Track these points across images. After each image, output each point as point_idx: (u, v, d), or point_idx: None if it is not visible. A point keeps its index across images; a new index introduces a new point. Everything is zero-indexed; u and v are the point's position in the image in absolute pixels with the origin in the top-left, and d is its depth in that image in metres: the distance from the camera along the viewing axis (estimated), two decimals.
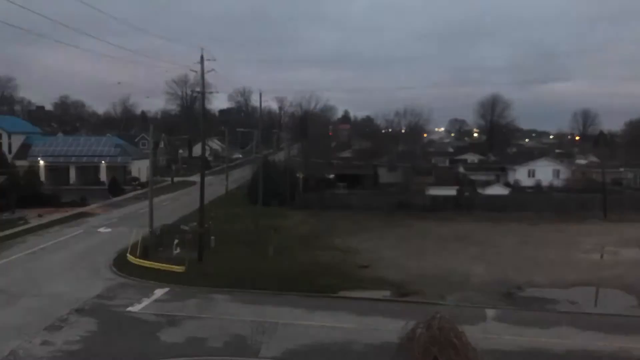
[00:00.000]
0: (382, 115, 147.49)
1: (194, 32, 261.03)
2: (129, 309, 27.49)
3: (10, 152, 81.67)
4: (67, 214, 58.30)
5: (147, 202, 47.60)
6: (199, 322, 25.59)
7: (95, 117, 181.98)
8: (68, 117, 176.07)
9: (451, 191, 68.79)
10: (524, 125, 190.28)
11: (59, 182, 75.16)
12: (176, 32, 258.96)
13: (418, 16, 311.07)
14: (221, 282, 32.08)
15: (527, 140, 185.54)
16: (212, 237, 41.55)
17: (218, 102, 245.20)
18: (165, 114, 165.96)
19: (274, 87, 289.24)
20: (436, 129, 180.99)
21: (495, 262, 38.18)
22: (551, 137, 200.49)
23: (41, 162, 79.49)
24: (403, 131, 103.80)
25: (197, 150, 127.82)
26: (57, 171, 79.99)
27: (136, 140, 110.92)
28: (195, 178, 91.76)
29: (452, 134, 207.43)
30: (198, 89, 51.47)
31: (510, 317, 26.83)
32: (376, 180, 78.63)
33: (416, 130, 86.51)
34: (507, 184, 78.21)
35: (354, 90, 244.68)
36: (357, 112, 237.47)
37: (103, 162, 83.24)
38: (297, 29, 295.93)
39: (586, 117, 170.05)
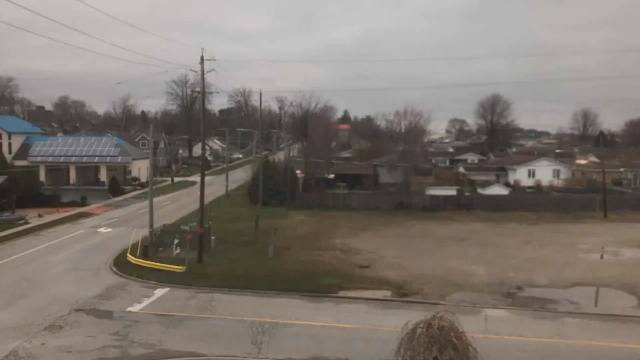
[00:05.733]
0: (382, 115, 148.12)
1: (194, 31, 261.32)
2: (129, 309, 27.49)
3: (10, 152, 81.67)
4: (67, 214, 58.36)
5: (147, 202, 47.67)
6: (199, 322, 25.59)
7: (95, 117, 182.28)
8: (68, 117, 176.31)
9: (451, 191, 68.85)
10: (524, 125, 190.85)
11: (59, 182, 75.24)
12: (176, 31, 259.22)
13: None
14: (221, 282, 32.11)
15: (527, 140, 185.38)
16: (212, 237, 41.55)
17: (218, 102, 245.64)
18: (165, 114, 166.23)
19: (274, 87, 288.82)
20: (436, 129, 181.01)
21: (495, 262, 38.18)
22: (551, 137, 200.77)
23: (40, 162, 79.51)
24: (403, 131, 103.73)
25: (197, 150, 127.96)
26: (57, 171, 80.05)
27: (136, 140, 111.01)
28: (195, 178, 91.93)
29: (452, 133, 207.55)
30: (198, 89, 51.54)
31: (510, 317, 26.85)
32: (376, 180, 78.67)
33: (416, 130, 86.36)
34: (507, 184, 78.27)
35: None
36: (357, 112, 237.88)
37: (103, 162, 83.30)
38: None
39: (586, 117, 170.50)
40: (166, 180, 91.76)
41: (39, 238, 46.38)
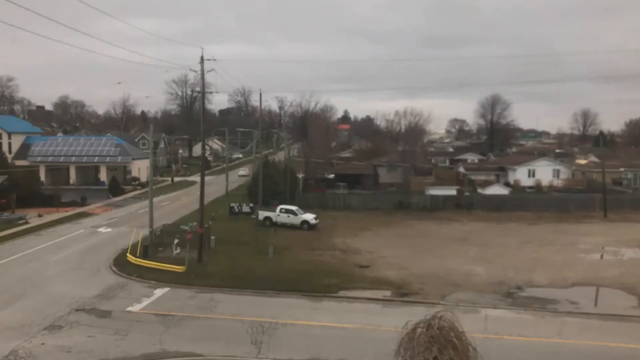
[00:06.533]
0: (382, 115, 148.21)
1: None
2: (129, 309, 27.48)
3: (10, 152, 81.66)
4: (67, 214, 58.33)
5: (147, 202, 47.68)
6: (199, 322, 25.59)
7: (95, 117, 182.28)
8: (68, 117, 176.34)
9: (451, 191, 68.86)
10: (524, 125, 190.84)
11: (59, 182, 75.12)
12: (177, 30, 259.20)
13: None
14: (221, 282, 32.12)
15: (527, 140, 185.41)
16: (212, 237, 41.55)
17: (218, 102, 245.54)
18: (165, 114, 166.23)
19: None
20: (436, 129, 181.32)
21: (495, 262, 38.19)
22: (551, 137, 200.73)
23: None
24: (403, 131, 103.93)
25: (197, 150, 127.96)
26: (57, 171, 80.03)
27: (136, 140, 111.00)
28: (195, 178, 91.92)
29: (452, 133, 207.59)
30: (198, 89, 51.49)
31: (510, 317, 26.86)
32: (376, 180, 78.66)
33: (416, 130, 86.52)
34: (507, 184, 78.27)
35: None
36: (357, 112, 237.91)
37: (103, 162, 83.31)
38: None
39: (586, 117, 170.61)
40: (166, 180, 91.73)
41: (39, 238, 46.36)
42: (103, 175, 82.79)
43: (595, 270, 36.25)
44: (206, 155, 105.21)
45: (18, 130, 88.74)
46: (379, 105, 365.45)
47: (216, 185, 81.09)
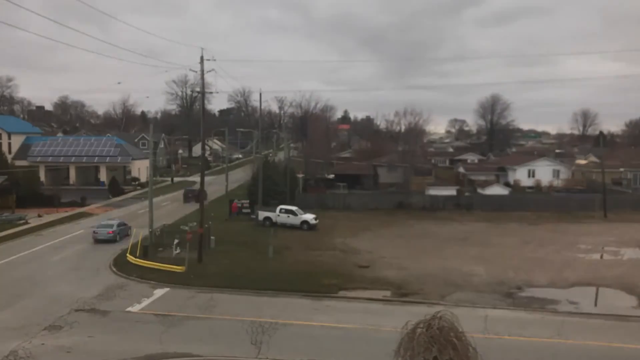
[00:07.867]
0: (382, 115, 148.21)
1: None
2: (129, 309, 27.48)
3: (10, 152, 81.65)
4: (67, 214, 58.36)
5: (147, 202, 47.67)
6: (199, 322, 25.59)
7: (95, 117, 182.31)
8: (68, 117, 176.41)
9: (451, 191, 68.87)
10: (524, 125, 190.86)
11: (59, 182, 75.16)
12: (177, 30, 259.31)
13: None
14: (221, 282, 32.12)
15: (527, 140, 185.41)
16: (212, 237, 41.55)
17: (218, 102, 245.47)
18: (165, 114, 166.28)
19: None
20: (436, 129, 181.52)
21: (495, 262, 38.18)
22: (551, 137, 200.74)
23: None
24: (403, 131, 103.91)
25: (197, 150, 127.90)
26: (57, 171, 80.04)
27: (136, 140, 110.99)
28: (195, 178, 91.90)
29: (452, 133, 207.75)
30: (198, 89, 51.61)
31: (510, 317, 26.84)
32: (376, 180, 78.67)
33: (416, 130, 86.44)
34: (507, 184, 78.24)
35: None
36: (357, 112, 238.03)
37: (103, 162, 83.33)
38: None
39: (586, 117, 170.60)
40: (166, 181, 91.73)
41: (39, 238, 46.37)
42: (103, 176, 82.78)
43: (595, 270, 36.25)
44: (206, 155, 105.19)
45: (18, 131, 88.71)
46: None
47: (216, 186, 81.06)
